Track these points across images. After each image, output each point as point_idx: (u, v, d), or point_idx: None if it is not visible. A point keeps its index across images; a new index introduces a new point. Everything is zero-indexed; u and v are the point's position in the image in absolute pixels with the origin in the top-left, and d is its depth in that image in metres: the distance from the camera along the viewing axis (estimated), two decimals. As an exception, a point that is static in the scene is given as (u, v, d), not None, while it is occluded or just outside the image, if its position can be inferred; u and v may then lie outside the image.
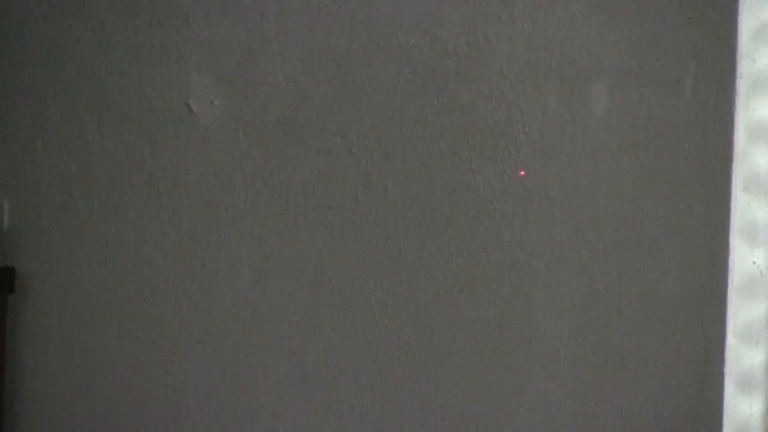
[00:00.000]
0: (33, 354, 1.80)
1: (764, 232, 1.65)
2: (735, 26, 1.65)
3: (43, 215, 1.80)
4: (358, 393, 1.74)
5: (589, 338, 1.69)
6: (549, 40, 1.68)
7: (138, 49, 1.76)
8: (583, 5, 1.67)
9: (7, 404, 1.80)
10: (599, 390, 1.68)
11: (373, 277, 1.72)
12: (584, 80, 1.68)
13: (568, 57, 1.68)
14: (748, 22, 1.64)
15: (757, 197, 1.64)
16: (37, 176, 1.79)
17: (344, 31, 1.72)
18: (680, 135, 1.67)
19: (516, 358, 1.71)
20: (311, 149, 1.73)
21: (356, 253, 1.73)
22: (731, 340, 1.64)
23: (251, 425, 1.76)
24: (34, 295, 1.80)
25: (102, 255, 1.79)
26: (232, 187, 1.74)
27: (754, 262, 1.65)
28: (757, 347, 1.64)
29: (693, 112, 1.66)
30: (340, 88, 1.72)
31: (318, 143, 1.73)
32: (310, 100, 1.73)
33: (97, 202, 1.78)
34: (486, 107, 1.69)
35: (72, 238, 1.79)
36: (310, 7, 1.72)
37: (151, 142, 1.76)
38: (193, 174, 1.75)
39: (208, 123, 1.74)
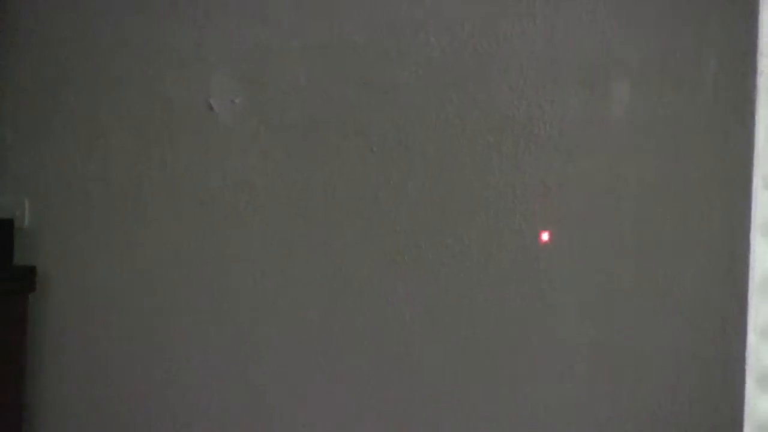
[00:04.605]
0: (53, 351, 1.81)
1: (785, 231, 1.65)
2: (755, 25, 1.65)
3: (63, 215, 1.81)
4: (375, 391, 1.74)
5: (609, 337, 1.69)
6: (569, 39, 1.68)
7: (158, 49, 1.76)
8: (603, 3, 1.67)
9: (28, 400, 1.80)
10: (620, 388, 1.68)
11: (392, 276, 1.72)
12: (604, 79, 1.68)
13: (589, 55, 1.68)
14: (768, 20, 1.64)
15: (778, 195, 1.64)
16: (58, 176, 1.80)
17: (364, 29, 1.72)
18: (701, 133, 1.67)
19: (535, 357, 1.71)
20: (331, 148, 1.73)
21: (376, 251, 1.73)
22: (752, 338, 1.64)
23: (272, 418, 1.76)
24: (54, 293, 1.81)
25: (121, 254, 1.80)
26: (252, 185, 1.75)
27: (775, 261, 1.65)
28: (777, 345, 1.64)
29: (713, 111, 1.66)
30: (360, 86, 1.72)
31: (338, 142, 1.73)
32: (330, 99, 1.73)
33: (117, 201, 1.79)
34: (506, 106, 1.70)
35: (92, 238, 1.80)
36: (330, 6, 1.73)
37: (171, 141, 1.76)
38: (214, 173, 1.76)
39: (228, 122, 1.75)
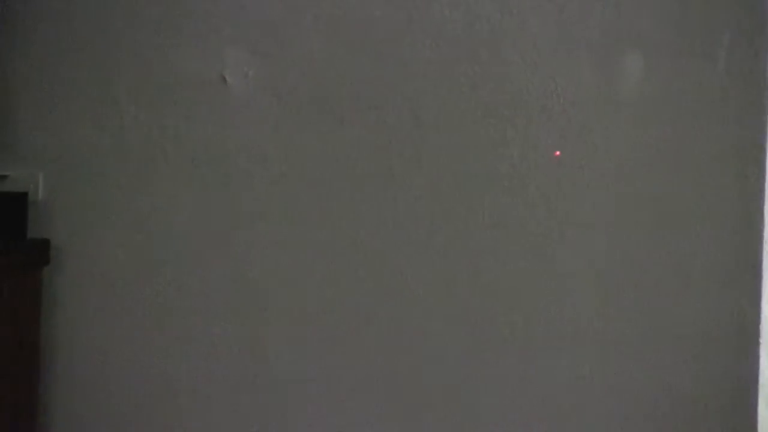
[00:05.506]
0: (67, 324, 1.81)
1: (798, 203, 1.65)
2: (770, -3, 1.65)
3: (77, 188, 1.81)
4: (386, 362, 1.75)
5: (624, 309, 1.69)
6: (583, 11, 1.68)
7: (172, 22, 1.77)
8: (617, -24, 1.68)
9: (43, 372, 1.81)
10: (633, 360, 1.68)
11: (406, 249, 1.73)
12: (618, 51, 1.68)
13: (602, 28, 1.68)
14: (782, -8, 1.64)
15: (792, 168, 1.64)
16: (72, 149, 1.80)
17: (378, 2, 1.72)
18: (714, 106, 1.67)
19: (549, 330, 1.71)
20: (345, 121, 1.74)
21: (390, 224, 1.73)
22: (766, 311, 1.64)
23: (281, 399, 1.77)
24: (68, 266, 1.81)
25: (135, 227, 1.80)
26: (266, 158, 1.75)
27: (789, 233, 1.65)
28: (791, 318, 1.64)
29: (727, 83, 1.66)
30: (374, 59, 1.73)
31: (352, 115, 1.73)
32: (343, 71, 1.73)
33: (131, 174, 1.79)
34: (520, 78, 1.70)
35: (106, 211, 1.80)
36: (344, -20, 1.73)
37: (185, 114, 1.77)
38: (227, 146, 1.76)
39: (242, 95, 1.75)
